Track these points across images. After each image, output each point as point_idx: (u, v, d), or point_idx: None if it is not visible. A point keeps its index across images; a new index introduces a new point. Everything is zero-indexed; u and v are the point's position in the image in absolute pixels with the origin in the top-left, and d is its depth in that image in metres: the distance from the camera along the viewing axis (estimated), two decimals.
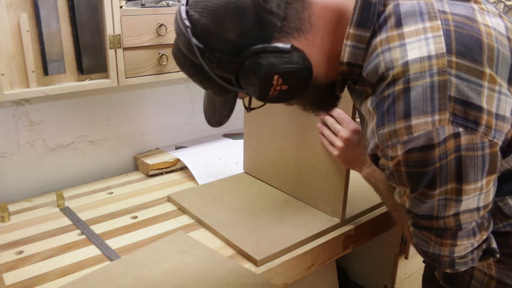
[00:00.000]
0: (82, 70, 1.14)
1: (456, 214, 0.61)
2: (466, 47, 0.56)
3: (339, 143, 0.97)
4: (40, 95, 1.09)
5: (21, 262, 0.93)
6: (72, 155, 1.33)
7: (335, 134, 0.99)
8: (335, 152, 0.99)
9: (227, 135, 1.64)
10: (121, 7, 1.15)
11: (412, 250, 1.29)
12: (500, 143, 0.57)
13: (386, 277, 1.35)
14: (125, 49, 1.18)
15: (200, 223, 1.08)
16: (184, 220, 1.11)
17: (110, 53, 1.15)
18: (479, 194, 0.60)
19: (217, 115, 0.73)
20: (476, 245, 0.66)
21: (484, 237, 0.66)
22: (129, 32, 1.17)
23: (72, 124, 1.31)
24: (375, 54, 0.60)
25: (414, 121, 0.55)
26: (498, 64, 0.58)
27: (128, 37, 1.17)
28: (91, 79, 1.17)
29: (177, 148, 1.51)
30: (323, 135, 1.03)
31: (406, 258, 1.30)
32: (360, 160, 0.94)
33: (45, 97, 1.23)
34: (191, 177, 1.34)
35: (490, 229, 0.67)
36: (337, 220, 1.08)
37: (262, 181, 1.29)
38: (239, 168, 1.38)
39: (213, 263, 0.90)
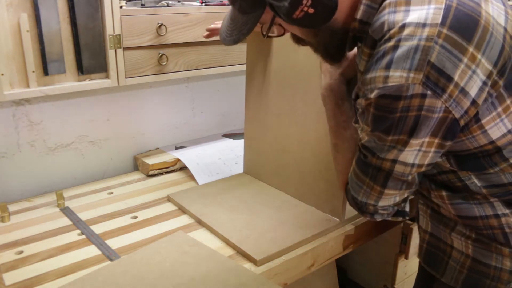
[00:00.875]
0: (82, 70, 1.14)
1: (394, 161, 0.70)
2: (461, 23, 0.62)
3: None
4: (40, 95, 1.09)
5: (21, 262, 0.93)
6: (72, 155, 1.33)
7: None
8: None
9: (227, 135, 1.64)
10: (121, 7, 1.15)
11: (412, 250, 1.29)
12: (455, 114, 0.64)
13: (386, 277, 1.35)
14: (125, 49, 1.18)
15: (200, 223, 1.08)
16: (184, 220, 1.11)
17: (110, 53, 1.15)
18: (417, 151, 0.68)
19: (235, 33, 0.76)
20: (397, 200, 0.78)
21: (405, 195, 0.77)
22: (129, 32, 1.17)
23: (72, 124, 1.31)
24: (382, 14, 0.66)
25: (392, 73, 0.62)
26: (487, 47, 0.63)
27: (128, 37, 1.17)
28: (91, 79, 1.17)
29: (177, 148, 1.51)
30: None
31: (406, 258, 1.30)
32: (334, 78, 0.90)
33: (45, 97, 1.23)
34: (191, 177, 1.34)
35: (412, 190, 0.77)
36: (337, 220, 1.08)
37: (262, 181, 1.29)
38: (239, 168, 1.38)
39: (213, 263, 0.90)
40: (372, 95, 0.65)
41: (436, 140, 0.67)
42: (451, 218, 0.83)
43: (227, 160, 1.43)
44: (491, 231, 0.78)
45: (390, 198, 0.77)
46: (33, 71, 1.06)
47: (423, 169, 0.72)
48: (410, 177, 0.73)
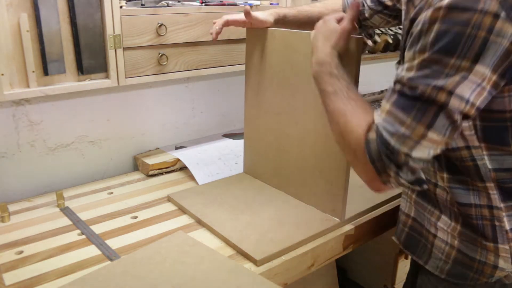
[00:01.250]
0: (82, 70, 1.14)
1: (451, 93, 0.64)
2: None
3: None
4: (40, 95, 1.09)
5: (21, 262, 0.93)
6: (72, 155, 1.33)
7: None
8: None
9: (227, 135, 1.64)
10: (121, 7, 1.15)
11: None
12: None
13: (386, 277, 1.35)
14: (125, 49, 1.18)
15: (200, 223, 1.08)
16: (184, 220, 1.11)
17: (110, 53, 1.15)
18: (477, 86, 0.64)
19: None
20: (431, 154, 0.69)
21: (438, 150, 0.69)
22: (129, 32, 1.17)
23: (72, 124, 1.31)
24: None
25: None
26: None
27: (128, 37, 1.17)
28: (91, 79, 1.17)
29: (177, 148, 1.51)
30: None
31: (406, 258, 1.30)
32: (328, 45, 0.88)
33: (45, 97, 1.23)
34: (191, 177, 1.34)
35: (448, 143, 0.69)
36: (337, 220, 1.08)
37: (262, 181, 1.29)
38: (239, 168, 1.38)
39: (213, 263, 0.90)
40: (444, 3, 0.62)
41: (494, 77, 0.64)
42: (438, 206, 0.85)
43: (227, 160, 1.43)
44: (481, 222, 0.79)
45: (428, 148, 0.68)
46: (33, 71, 1.06)
47: (472, 112, 0.66)
48: (459, 119, 0.66)
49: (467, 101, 0.65)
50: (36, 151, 1.26)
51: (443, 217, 0.84)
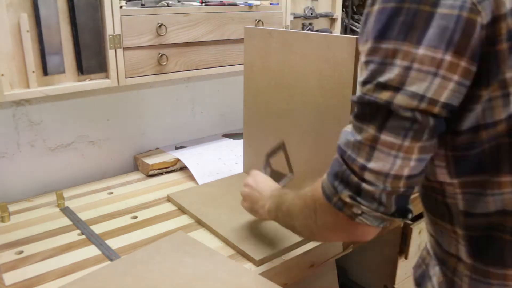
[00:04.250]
0: (82, 70, 1.14)
1: (396, 89, 0.51)
2: None
3: (244, 190, 0.98)
4: (40, 95, 1.09)
5: (21, 262, 0.93)
6: (72, 155, 1.33)
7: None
8: (242, 204, 0.99)
9: (227, 135, 1.64)
10: (121, 7, 1.15)
11: (412, 250, 1.29)
12: (483, 17, 0.49)
13: (386, 277, 1.35)
14: (125, 49, 1.18)
15: (200, 223, 1.08)
16: (184, 220, 1.11)
17: (110, 53, 1.15)
18: (433, 76, 0.50)
19: None
20: (395, 168, 0.54)
21: (409, 165, 0.53)
22: (129, 32, 1.17)
23: (72, 124, 1.31)
24: None
25: None
26: None
27: (128, 37, 1.17)
28: (91, 79, 1.17)
29: (177, 148, 1.51)
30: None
31: (406, 258, 1.30)
32: (262, 196, 0.92)
33: (45, 97, 1.23)
34: (191, 177, 1.34)
35: (421, 144, 0.53)
36: None
37: None
38: (239, 168, 1.38)
39: (213, 263, 0.90)
40: None
41: (462, 63, 0.50)
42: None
43: (227, 160, 1.43)
44: (448, 265, 0.65)
45: (387, 157, 0.53)
46: (33, 72, 1.06)
47: (437, 111, 0.52)
48: (420, 118, 0.51)
49: (422, 97, 0.51)
50: (36, 151, 1.26)
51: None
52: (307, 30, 1.66)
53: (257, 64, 1.20)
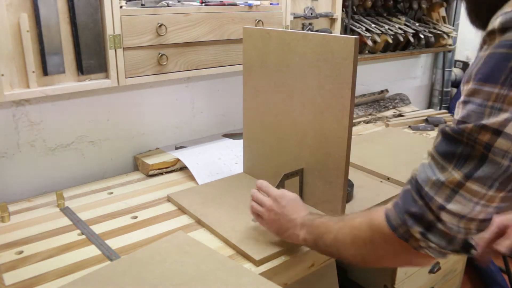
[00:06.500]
0: (82, 70, 1.14)
1: (497, 132, 0.51)
2: None
3: (265, 213, 0.95)
4: (40, 95, 1.09)
5: (21, 262, 0.93)
6: (72, 155, 1.33)
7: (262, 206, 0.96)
8: (264, 225, 0.96)
9: (227, 135, 1.64)
10: (121, 7, 1.15)
11: None
12: None
13: (386, 277, 1.35)
14: (125, 49, 1.18)
15: (200, 223, 1.08)
16: (184, 220, 1.11)
17: (110, 53, 1.15)
18: None
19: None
20: (474, 213, 0.55)
21: (492, 207, 0.55)
22: (129, 32, 1.17)
23: (72, 124, 1.31)
24: None
25: None
26: None
27: (128, 37, 1.17)
28: (91, 79, 1.17)
29: (177, 148, 1.51)
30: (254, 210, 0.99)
31: None
32: (292, 224, 0.91)
33: (45, 97, 1.23)
34: (191, 177, 1.34)
35: (498, 207, 0.55)
36: None
37: None
38: (239, 168, 1.38)
39: (213, 263, 0.90)
40: (496, 23, 0.52)
41: None
42: None
43: (227, 160, 1.43)
44: None
45: (468, 202, 0.55)
46: (33, 72, 1.06)
47: None
48: (510, 168, 0.52)
49: None
50: (36, 151, 1.27)
51: None
52: (307, 30, 1.66)
53: (256, 64, 1.20)
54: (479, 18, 0.65)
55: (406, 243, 0.61)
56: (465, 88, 0.56)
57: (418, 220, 0.59)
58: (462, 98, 0.56)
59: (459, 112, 0.56)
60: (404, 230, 0.61)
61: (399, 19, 2.11)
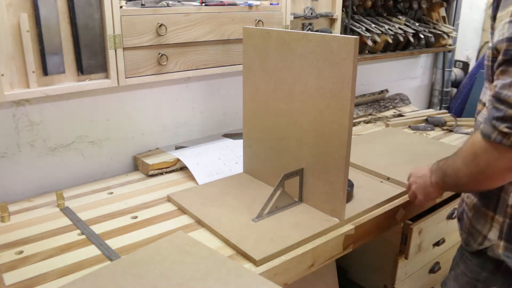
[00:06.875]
0: (82, 70, 1.14)
1: None
2: None
3: (414, 188, 1.11)
4: (40, 95, 1.09)
5: (21, 262, 0.93)
6: (72, 155, 1.33)
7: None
8: (421, 198, 1.09)
9: (227, 135, 1.64)
10: (121, 7, 1.15)
11: (412, 250, 1.29)
12: None
13: (386, 277, 1.35)
14: (125, 49, 1.18)
15: (200, 223, 1.08)
16: (184, 220, 1.11)
17: (110, 53, 1.16)
18: None
19: None
20: None
21: None
22: (129, 32, 1.17)
23: (72, 124, 1.31)
24: None
25: None
26: None
27: (128, 37, 1.18)
28: (91, 79, 1.17)
29: (177, 148, 1.51)
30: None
31: (406, 258, 1.30)
32: (425, 178, 1.04)
33: (45, 97, 1.23)
34: (191, 177, 1.34)
35: None
36: (337, 220, 1.08)
37: (262, 181, 1.29)
38: (239, 168, 1.38)
39: (213, 263, 0.90)
40: None
41: None
42: None
43: (227, 160, 1.43)
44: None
45: None
46: (33, 72, 1.06)
47: None
48: None
49: None
50: (36, 151, 1.27)
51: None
52: (307, 30, 1.66)
53: (256, 64, 1.20)
54: None
55: (501, 145, 0.73)
56: (510, 9, 0.71)
57: (504, 119, 0.72)
58: (507, 19, 0.72)
59: (510, 30, 0.71)
60: (496, 133, 0.74)
61: (399, 19, 2.11)
